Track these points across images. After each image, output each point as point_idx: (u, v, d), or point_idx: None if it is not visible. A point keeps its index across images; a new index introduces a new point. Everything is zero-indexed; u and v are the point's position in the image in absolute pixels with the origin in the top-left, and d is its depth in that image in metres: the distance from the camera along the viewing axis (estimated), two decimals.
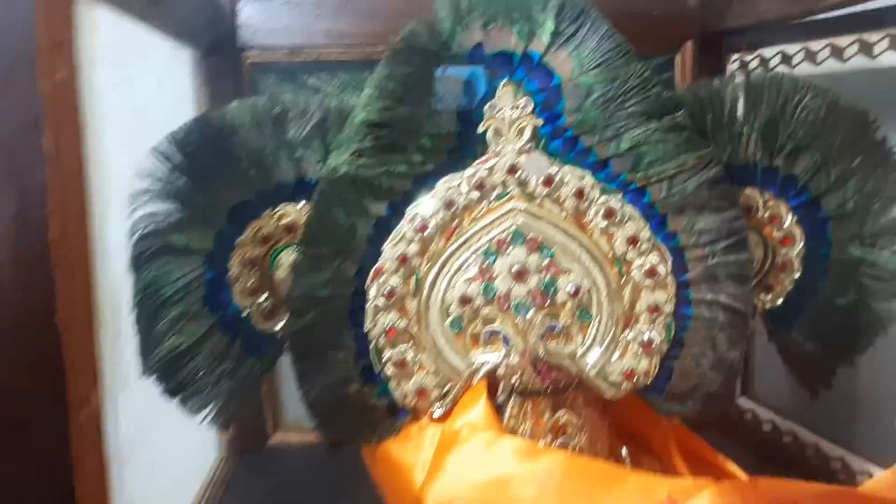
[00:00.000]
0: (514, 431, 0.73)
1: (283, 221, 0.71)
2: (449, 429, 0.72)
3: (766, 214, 0.75)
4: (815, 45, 0.90)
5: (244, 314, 0.73)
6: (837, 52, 0.87)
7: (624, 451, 0.82)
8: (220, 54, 1.00)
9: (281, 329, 0.73)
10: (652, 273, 0.72)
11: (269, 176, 0.71)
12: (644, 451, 0.82)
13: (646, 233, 0.72)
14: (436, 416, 0.74)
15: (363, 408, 0.72)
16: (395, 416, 0.73)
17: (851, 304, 0.76)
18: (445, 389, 0.73)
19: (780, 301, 0.76)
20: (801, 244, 0.75)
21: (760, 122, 0.74)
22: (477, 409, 0.72)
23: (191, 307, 0.71)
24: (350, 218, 0.70)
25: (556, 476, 0.66)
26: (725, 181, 0.72)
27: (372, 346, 0.72)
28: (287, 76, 1.05)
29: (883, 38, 0.82)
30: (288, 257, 0.71)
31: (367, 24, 1.03)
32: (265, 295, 0.72)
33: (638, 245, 0.72)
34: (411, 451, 0.73)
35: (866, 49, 0.85)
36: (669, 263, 0.72)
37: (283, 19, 1.02)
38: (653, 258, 0.72)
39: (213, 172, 0.70)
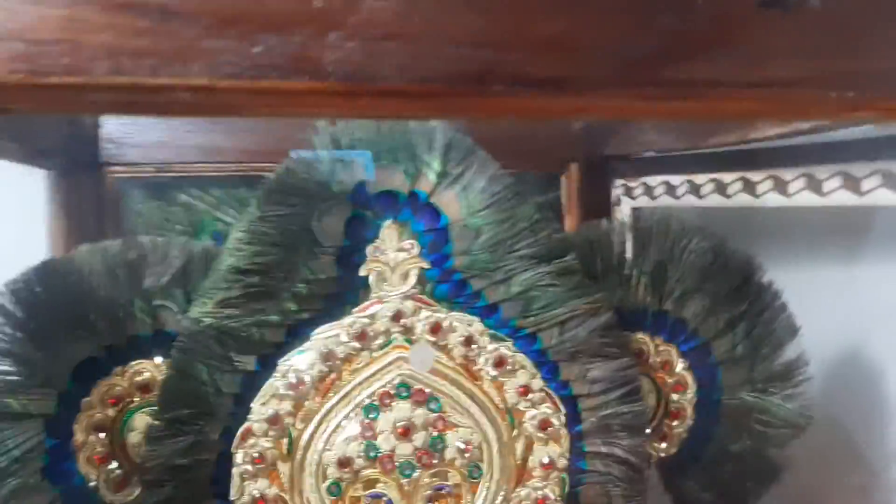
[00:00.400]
0: None
1: (137, 379, 0.63)
2: None
3: (658, 360, 0.73)
4: (699, 178, 0.91)
5: (91, 485, 0.63)
6: (721, 188, 0.89)
7: None
8: (80, 172, 0.92)
9: (134, 502, 0.64)
10: (545, 425, 0.68)
11: (121, 329, 0.63)
12: None
13: (538, 382, 0.68)
14: None
15: None
16: None
17: (744, 450, 0.74)
18: None
19: (674, 450, 0.74)
20: (693, 390, 0.73)
21: (649, 266, 0.73)
22: None
23: (28, 480, 0.61)
24: (214, 375, 0.63)
25: None
26: (617, 326, 0.70)
27: None
28: (155, 193, 0.98)
29: (766, 179, 0.84)
30: (142, 420, 0.63)
31: (241, 140, 0.98)
32: (115, 463, 0.63)
33: (530, 395, 0.68)
34: None
35: (749, 187, 0.87)
36: (563, 414, 0.69)
37: (152, 134, 0.95)
38: (545, 409, 0.68)
39: (56, 327, 0.61)
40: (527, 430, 0.69)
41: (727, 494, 0.75)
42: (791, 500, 0.82)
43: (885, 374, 0.78)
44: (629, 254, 0.73)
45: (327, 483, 0.66)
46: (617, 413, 0.69)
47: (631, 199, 1.01)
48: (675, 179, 0.95)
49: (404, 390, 0.67)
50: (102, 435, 0.63)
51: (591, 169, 1.05)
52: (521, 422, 0.69)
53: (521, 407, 0.69)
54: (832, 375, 0.82)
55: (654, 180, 0.98)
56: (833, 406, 0.83)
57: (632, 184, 1.01)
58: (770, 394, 0.73)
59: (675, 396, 0.74)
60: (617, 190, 1.05)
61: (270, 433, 0.64)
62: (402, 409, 0.67)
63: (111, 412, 0.63)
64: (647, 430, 0.72)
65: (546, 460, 0.69)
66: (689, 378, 0.73)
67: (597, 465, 0.69)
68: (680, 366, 0.73)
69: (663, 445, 0.74)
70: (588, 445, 0.69)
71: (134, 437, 0.63)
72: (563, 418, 0.69)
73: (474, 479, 0.69)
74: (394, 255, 0.68)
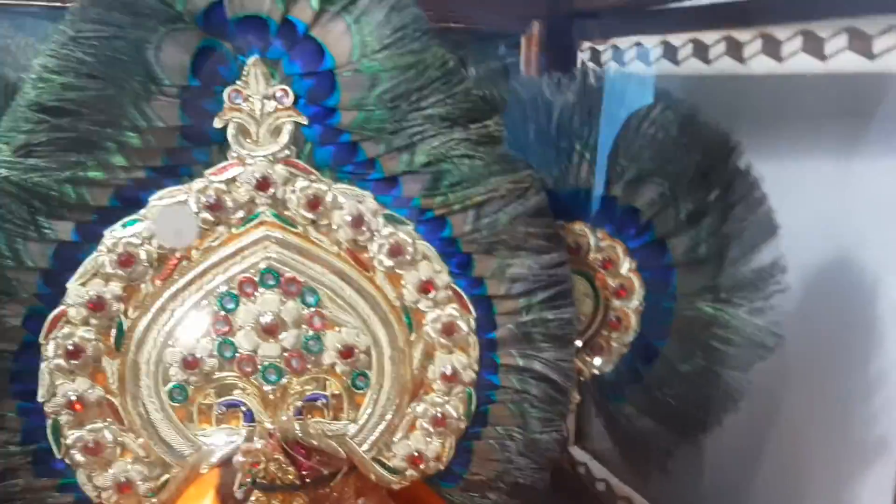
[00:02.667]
0: None
1: None
2: None
3: (599, 257, 0.61)
4: (676, 38, 0.76)
5: None
6: (701, 50, 0.74)
7: None
8: None
9: None
10: (450, 330, 0.56)
11: None
12: None
13: (444, 277, 0.55)
14: None
15: None
16: None
17: (697, 371, 0.63)
18: (161, 481, 0.55)
19: (610, 366, 0.62)
20: (641, 296, 0.62)
21: (595, 138, 0.60)
22: None
23: None
24: (13, 243, 0.49)
25: None
26: (548, 213, 0.56)
27: (49, 423, 0.51)
28: None
29: (755, 38, 0.69)
30: None
31: None
32: None
33: (433, 293, 0.55)
34: None
35: (734, 49, 0.71)
36: (473, 318, 0.56)
37: None
38: (452, 310, 0.55)
39: None
40: (427, 334, 0.56)
41: (671, 423, 0.64)
42: (753, 434, 0.72)
43: (879, 287, 0.66)
44: (572, 123, 0.59)
45: (169, 386, 0.54)
46: (540, 319, 0.56)
47: (598, 66, 0.86)
48: (648, 41, 0.79)
49: (271, 278, 0.54)
50: None
51: (554, 28, 0.89)
52: (421, 324, 0.56)
53: (421, 306, 0.56)
54: (814, 286, 0.69)
55: (624, 42, 0.82)
56: (812, 323, 0.70)
57: (600, 47, 0.86)
58: (734, 305, 0.61)
59: (616, 303, 0.63)
60: (583, 54, 0.89)
61: (92, 321, 0.51)
62: (267, 301, 0.54)
63: None
64: (578, 343, 0.61)
65: (449, 371, 0.57)
66: (637, 281, 0.61)
67: (511, 381, 0.57)
68: (626, 266, 0.61)
69: (598, 361, 0.63)
70: (502, 357, 0.57)
71: None
72: (472, 322, 0.56)
73: (359, 389, 0.56)
74: (260, 103, 0.52)
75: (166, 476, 0.54)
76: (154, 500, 0.54)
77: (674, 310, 0.62)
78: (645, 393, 0.64)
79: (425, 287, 0.55)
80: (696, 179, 0.60)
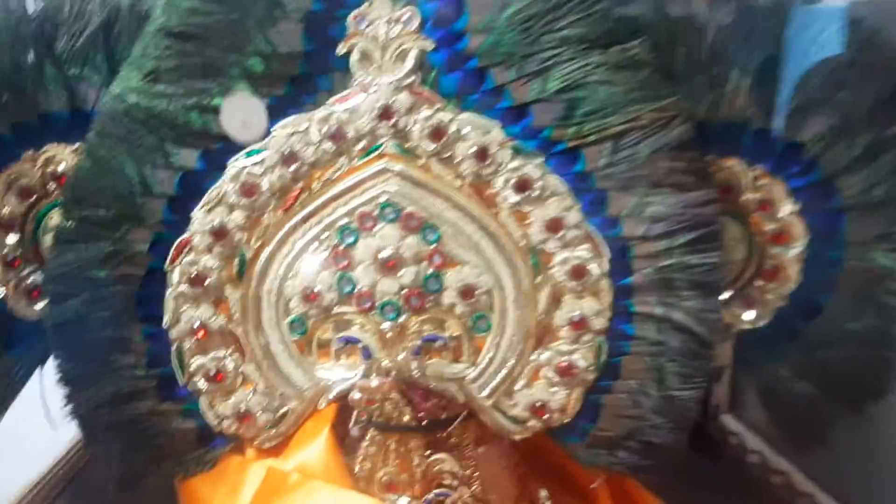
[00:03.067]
0: (368, 479, 0.55)
1: (51, 168, 0.52)
2: (277, 469, 0.55)
3: (755, 198, 0.54)
4: None
5: None
6: None
7: (543, 494, 0.64)
8: None
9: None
10: (580, 273, 0.52)
11: (29, 103, 0.52)
12: (570, 491, 0.63)
13: (575, 215, 0.51)
14: (265, 447, 0.56)
15: (161, 432, 0.53)
16: (207, 445, 0.55)
17: (867, 331, 0.55)
18: (280, 413, 0.55)
19: (764, 321, 0.56)
20: (803, 243, 0.54)
21: (756, 64, 0.52)
22: (315, 447, 0.54)
23: None
24: (142, 169, 0.50)
25: None
26: (696, 147, 0.51)
27: (174, 349, 0.52)
28: None
29: None
30: (58, 219, 0.51)
31: None
32: (28, 268, 0.54)
33: (562, 232, 0.51)
34: (225, 494, 0.54)
35: None
36: (606, 261, 0.52)
37: None
38: (583, 252, 0.51)
39: None
40: (555, 277, 0.52)
41: (833, 389, 0.56)
42: None
43: None
44: (728, 46, 0.53)
45: (289, 319, 0.53)
46: (682, 264, 0.51)
47: None
48: None
49: (391, 212, 0.52)
50: (13, 234, 0.53)
51: None
52: (549, 266, 0.52)
53: (548, 247, 0.52)
54: None
55: None
56: None
57: None
58: None
59: (774, 250, 0.55)
60: None
61: (216, 249, 0.51)
62: (387, 236, 0.52)
63: (21, 206, 0.53)
64: (726, 293, 0.55)
65: (577, 318, 0.53)
66: (798, 226, 0.54)
67: (647, 332, 0.52)
68: (787, 208, 0.54)
69: (749, 315, 0.56)
70: (637, 304, 0.52)
71: (49, 240, 0.53)
72: (605, 266, 0.52)
73: (479, 332, 0.54)
74: (385, 28, 0.50)
75: (285, 408, 0.54)
76: (272, 431, 0.54)
77: (841, 260, 0.54)
78: (804, 354, 0.56)
79: (554, 226, 0.51)
80: (875, 109, 0.52)
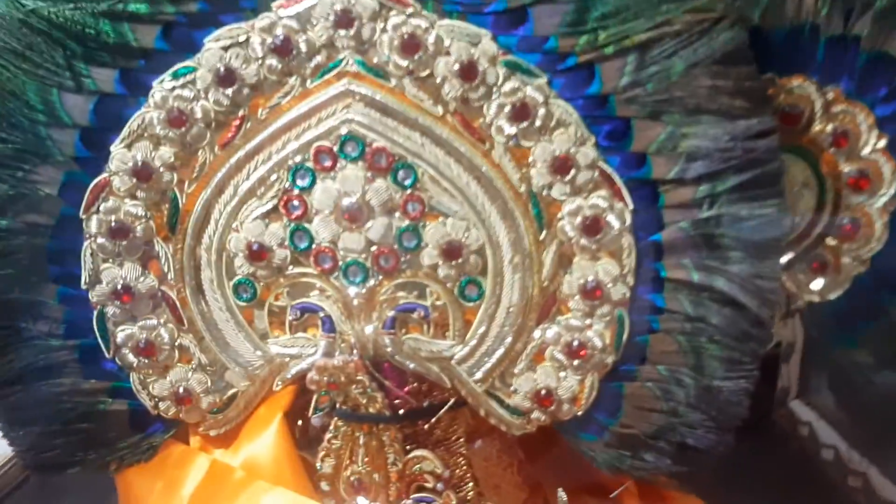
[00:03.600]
0: (332, 479, 0.45)
1: None
2: (221, 464, 0.46)
3: (829, 129, 0.43)
4: None
5: None
6: None
7: (561, 495, 0.54)
8: None
9: None
10: (595, 227, 0.40)
11: None
12: (591, 492, 0.53)
13: (588, 152, 0.40)
14: (212, 435, 0.47)
15: (86, 414, 0.45)
16: (143, 431, 0.46)
17: None
18: (227, 396, 0.45)
19: (838, 291, 0.44)
20: (891, 191, 0.43)
21: None
22: (264, 439, 0.45)
23: None
24: (48, 94, 0.41)
25: None
26: (749, 60, 0.38)
27: (95, 315, 0.44)
28: None
29: None
30: None
31: None
32: None
33: (572, 174, 0.40)
34: (162, 490, 0.46)
35: None
36: (629, 212, 0.40)
37: None
38: (598, 200, 0.40)
39: None
40: (563, 232, 0.41)
41: None
42: None
43: None
44: None
45: (235, 281, 0.44)
46: (729, 216, 0.39)
47: None
48: None
49: (354, 147, 0.41)
50: None
51: None
52: (555, 218, 0.42)
53: (555, 193, 0.41)
54: None
55: None
56: None
57: None
58: None
59: (853, 198, 0.44)
60: None
61: (140, 194, 0.42)
62: (349, 178, 0.41)
63: None
64: (789, 254, 0.44)
65: (592, 285, 0.42)
66: (887, 168, 0.42)
67: (681, 304, 0.41)
68: (870, 143, 0.42)
69: (818, 283, 0.45)
70: (669, 268, 0.41)
71: None
72: (628, 217, 0.41)
73: (469, 301, 0.43)
74: None
75: (233, 390, 0.45)
76: (219, 416, 0.45)
77: None
78: (888, 335, 0.45)
79: (561, 166, 0.40)
80: None
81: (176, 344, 0.44)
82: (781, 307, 0.44)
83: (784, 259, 0.44)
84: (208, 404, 0.45)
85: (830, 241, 0.45)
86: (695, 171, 0.39)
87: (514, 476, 0.50)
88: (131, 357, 0.44)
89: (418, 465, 0.44)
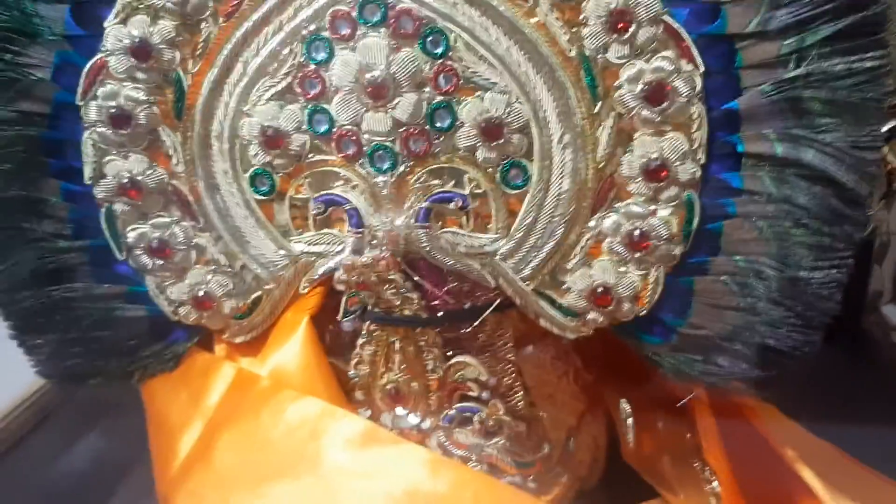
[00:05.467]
0: (367, 388, 0.43)
1: None
2: (247, 372, 0.43)
3: None
4: None
5: None
6: None
7: (624, 406, 0.50)
8: None
9: None
10: (659, 93, 0.35)
11: None
12: (658, 402, 0.49)
13: (651, 4, 0.34)
14: (237, 342, 0.45)
15: (103, 321, 0.42)
16: (165, 339, 0.44)
17: None
18: (251, 300, 0.43)
19: None
20: None
21: None
22: (291, 345, 0.42)
23: None
24: None
25: None
26: None
27: (102, 214, 0.41)
28: None
29: None
30: None
31: None
32: None
33: (632, 30, 0.35)
34: (186, 401, 0.44)
35: None
36: (699, 74, 0.35)
37: None
38: (663, 61, 0.35)
39: None
40: (622, 103, 0.36)
41: None
42: None
43: None
44: None
45: (251, 172, 0.40)
46: (821, 74, 0.33)
47: None
48: None
49: (374, 10, 0.36)
50: None
51: None
52: (612, 87, 0.37)
53: (611, 56, 0.36)
54: None
55: None
56: None
57: None
58: None
59: None
60: None
61: (140, 75, 0.38)
62: (372, 47, 0.37)
63: None
64: (893, 121, 0.37)
65: (656, 163, 0.37)
66: None
67: (763, 182, 0.36)
68: None
69: None
70: (748, 141, 0.36)
71: None
72: (698, 82, 0.36)
73: (514, 188, 0.39)
74: None
75: (257, 293, 0.42)
76: (244, 322, 0.43)
77: None
78: None
79: (619, 21, 0.35)
80: None
81: (192, 244, 0.41)
82: (881, 185, 0.39)
83: (887, 126, 0.38)
84: (231, 309, 0.42)
85: None
86: (779, 20, 0.34)
87: (570, 385, 0.46)
88: (145, 259, 0.41)
89: (460, 373, 0.41)
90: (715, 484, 0.45)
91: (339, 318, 0.41)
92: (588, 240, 0.39)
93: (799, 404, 0.47)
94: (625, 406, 0.49)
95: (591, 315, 0.40)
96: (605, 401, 0.48)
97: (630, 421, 0.48)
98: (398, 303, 0.40)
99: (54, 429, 0.65)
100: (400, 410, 0.42)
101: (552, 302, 0.40)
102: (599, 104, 0.37)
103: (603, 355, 0.46)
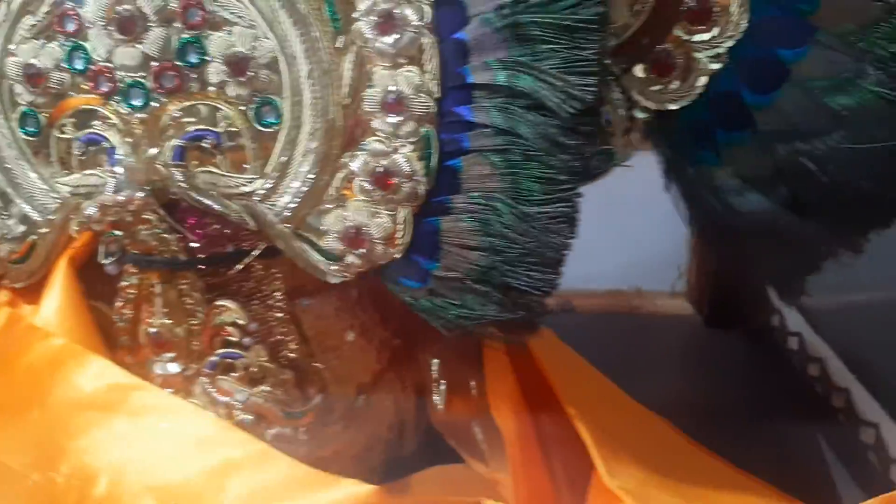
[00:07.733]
0: (131, 333, 0.43)
1: None
2: (16, 314, 0.44)
3: None
4: None
5: None
6: None
7: (434, 364, 0.49)
8: None
9: None
10: (390, 23, 0.35)
11: None
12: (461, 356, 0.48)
13: None
14: (18, 288, 0.46)
15: None
16: None
17: None
18: (27, 245, 0.43)
19: (692, 96, 0.37)
20: None
21: None
22: (52, 289, 0.43)
23: None
24: None
25: None
26: None
27: None
28: None
29: None
30: None
31: None
32: None
33: None
34: None
35: None
36: (429, 3, 0.35)
37: None
38: None
39: None
40: (360, 34, 0.36)
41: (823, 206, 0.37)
42: None
43: None
44: None
45: (19, 112, 0.41)
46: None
47: None
48: None
49: None
50: None
51: None
52: (352, 18, 0.37)
53: None
54: None
55: None
56: None
57: None
58: None
59: None
60: None
61: None
62: None
63: None
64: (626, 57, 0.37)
65: (393, 97, 0.36)
66: None
67: (491, 114, 0.35)
68: None
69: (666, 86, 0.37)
70: (476, 71, 0.35)
71: None
72: (427, 10, 0.35)
73: (267, 125, 0.39)
74: None
75: (32, 237, 0.43)
76: (22, 267, 0.43)
77: None
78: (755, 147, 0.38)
79: None
80: None
81: None
82: (621, 119, 0.38)
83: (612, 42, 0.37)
84: (7, 252, 0.43)
85: (678, 33, 0.38)
86: None
87: (358, 339, 0.46)
88: None
89: (220, 317, 0.41)
90: None
91: (100, 259, 0.42)
92: (341, 180, 0.39)
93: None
94: (435, 362, 0.48)
95: (349, 258, 0.39)
96: (417, 357, 0.48)
97: (442, 386, 0.48)
98: (155, 244, 0.41)
99: None
100: (165, 355, 0.43)
101: (313, 245, 0.40)
102: (342, 38, 0.37)
103: (400, 309, 0.46)
